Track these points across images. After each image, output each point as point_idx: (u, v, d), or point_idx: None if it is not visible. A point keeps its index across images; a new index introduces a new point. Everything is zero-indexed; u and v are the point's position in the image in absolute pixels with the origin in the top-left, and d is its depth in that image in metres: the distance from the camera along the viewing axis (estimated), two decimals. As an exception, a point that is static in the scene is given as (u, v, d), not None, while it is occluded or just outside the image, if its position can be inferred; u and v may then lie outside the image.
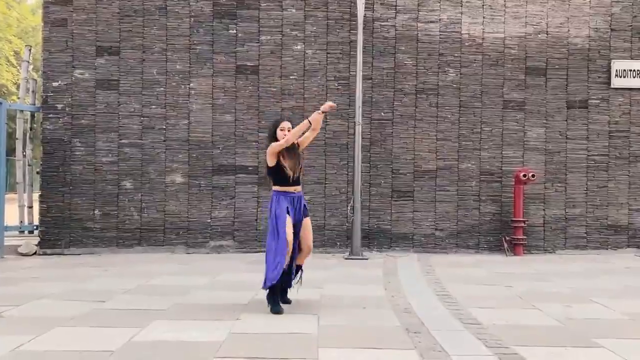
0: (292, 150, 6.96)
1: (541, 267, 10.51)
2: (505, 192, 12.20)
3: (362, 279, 9.03)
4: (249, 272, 9.48)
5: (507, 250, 11.83)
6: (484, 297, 7.83)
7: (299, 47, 12.11)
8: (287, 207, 6.82)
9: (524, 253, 11.91)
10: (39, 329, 5.90)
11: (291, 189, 6.95)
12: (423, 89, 12.19)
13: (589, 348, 5.50)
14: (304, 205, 7.05)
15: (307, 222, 7.08)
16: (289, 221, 6.76)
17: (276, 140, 6.88)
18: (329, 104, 6.91)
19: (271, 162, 6.90)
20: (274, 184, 6.96)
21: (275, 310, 6.71)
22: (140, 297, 7.55)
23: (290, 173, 6.88)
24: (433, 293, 8.04)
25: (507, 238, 11.92)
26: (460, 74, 12.23)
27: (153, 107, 11.99)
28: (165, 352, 5.22)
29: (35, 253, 11.78)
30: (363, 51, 11.71)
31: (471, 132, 12.23)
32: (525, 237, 11.94)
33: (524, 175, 11.65)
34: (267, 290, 6.80)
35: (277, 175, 6.92)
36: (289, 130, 6.89)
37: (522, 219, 11.86)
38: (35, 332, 5.78)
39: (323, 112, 6.84)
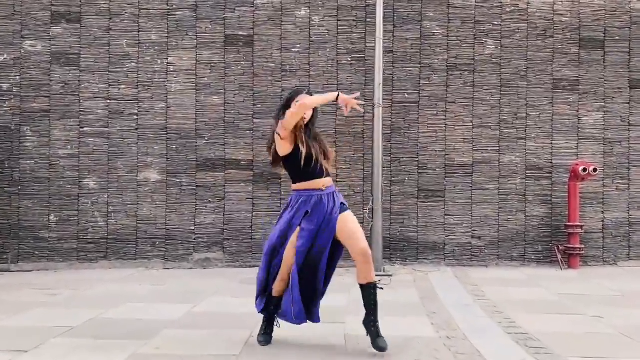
0: (309, 131, 5.11)
1: (613, 284, 8.21)
2: (557, 190, 9.91)
3: (396, 307, 6.63)
4: (242, 295, 7.12)
5: (562, 262, 9.51)
6: (575, 336, 5.53)
7: (302, 12, 9.80)
8: (308, 212, 4.94)
9: (580, 265, 9.61)
10: None
11: (319, 183, 4.99)
12: (456, 65, 9.90)
13: None
14: (341, 202, 5.05)
15: (347, 217, 4.97)
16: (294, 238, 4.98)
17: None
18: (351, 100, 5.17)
19: (285, 149, 4.98)
20: (295, 181, 5.08)
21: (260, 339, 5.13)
22: (83, 342, 5.15)
23: (312, 160, 4.94)
24: (502, 331, 5.69)
25: (561, 247, 9.60)
26: (501, 46, 9.95)
27: (122, 87, 9.65)
28: None
29: (-25, 269, 9.44)
30: (383, 18, 9.36)
31: (515, 117, 9.94)
32: (582, 245, 9.64)
33: (584, 170, 9.36)
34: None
35: (297, 166, 4.99)
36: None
37: (578, 224, 9.57)
38: None
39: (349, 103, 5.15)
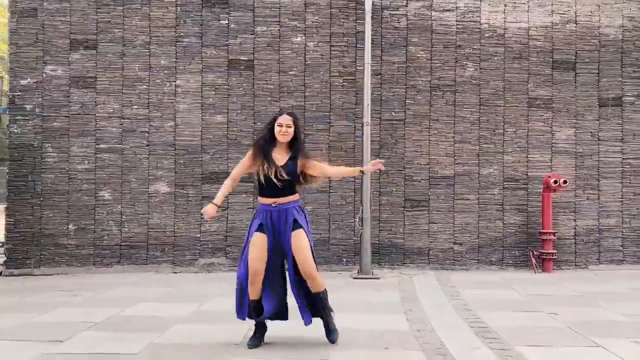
0: (283, 148, 5.77)
1: (579, 287, 9.04)
2: (532, 200, 10.76)
3: (378, 306, 7.56)
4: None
5: (536, 266, 10.37)
6: (528, 328, 6.41)
7: (298, 39, 10.67)
8: (261, 224, 5.66)
9: (553, 269, 10.46)
10: None
11: (269, 200, 5.69)
12: (438, 86, 10.76)
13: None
14: (294, 219, 5.66)
15: (297, 237, 5.63)
16: (258, 240, 5.60)
17: (272, 136, 5.71)
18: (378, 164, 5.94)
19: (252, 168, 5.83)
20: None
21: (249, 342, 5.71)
22: (107, 335, 6.08)
23: (262, 179, 5.67)
24: (467, 325, 6.60)
25: (535, 252, 10.47)
26: (480, 68, 10.80)
27: (135, 107, 10.54)
28: None
29: (0, 273, 10.32)
30: (371, 43, 10.29)
31: (493, 133, 10.80)
32: (555, 251, 10.49)
33: (555, 182, 10.22)
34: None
35: (258, 184, 5.81)
36: (287, 126, 5.68)
37: (551, 231, 10.42)
38: None
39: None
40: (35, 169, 10.46)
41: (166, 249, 10.48)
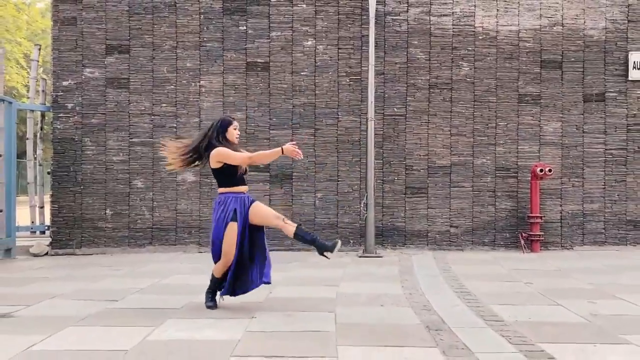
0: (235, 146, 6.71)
1: (560, 263, 10.22)
2: (522, 187, 11.94)
3: (378, 277, 8.81)
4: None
5: (524, 247, 11.57)
6: (504, 293, 7.60)
7: (309, 42, 11.90)
8: (235, 210, 6.49)
9: (541, 249, 11.65)
10: (51, 329, 5.73)
11: (242, 188, 6.63)
12: (436, 84, 11.96)
13: (618, 345, 5.27)
14: (251, 200, 6.65)
15: (257, 205, 6.61)
16: (231, 230, 6.46)
17: (225, 138, 6.59)
18: (295, 149, 6.50)
19: (216, 164, 6.55)
20: (221, 186, 6.62)
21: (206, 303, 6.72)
22: (153, 297, 7.37)
23: (241, 170, 6.59)
24: (452, 290, 7.81)
25: (524, 234, 11.65)
26: (474, 67, 11.98)
27: (163, 105, 11.82)
28: (180, 351, 5.04)
29: (46, 253, 11.65)
30: (375, 46, 11.49)
31: (486, 127, 11.98)
32: (542, 233, 11.67)
33: (541, 170, 11.38)
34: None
35: (226, 174, 6.57)
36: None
37: (538, 215, 11.58)
38: (46, 332, 5.62)
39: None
40: (76, 161, 11.75)
41: (192, 231, 11.76)
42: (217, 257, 6.65)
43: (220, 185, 6.63)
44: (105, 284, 8.30)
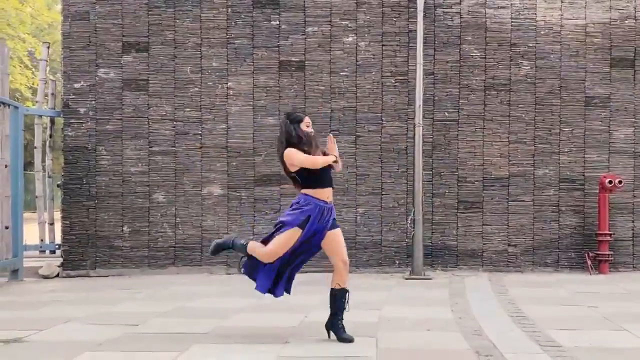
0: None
1: (630, 286, 10.89)
2: (588, 201, 12.62)
3: (426, 301, 9.54)
4: (297, 293, 10.02)
5: (591, 268, 12.25)
6: (564, 318, 8.26)
7: (350, 39, 12.67)
8: (309, 217, 6.83)
9: (610, 271, 12.30)
10: (67, 354, 6.27)
11: (327, 192, 6.96)
12: (493, 85, 12.66)
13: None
14: (333, 218, 7.04)
15: (337, 232, 7.05)
16: (295, 236, 6.88)
17: (298, 136, 6.92)
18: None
19: (292, 168, 6.95)
20: (304, 187, 6.99)
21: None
22: (177, 320, 8.09)
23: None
24: (506, 314, 8.51)
25: (591, 254, 12.34)
26: (536, 66, 12.68)
27: (187, 109, 12.65)
28: None
29: (57, 275, 12.43)
30: (424, 42, 12.18)
31: (549, 133, 12.67)
32: (611, 252, 12.32)
33: (610, 182, 12.03)
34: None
35: (306, 177, 6.96)
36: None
37: (607, 232, 12.24)
38: (62, 357, 6.18)
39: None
40: (89, 172, 12.58)
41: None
42: (268, 239, 7.09)
43: (302, 186, 6.99)
44: (124, 308, 9.03)
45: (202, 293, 10.32)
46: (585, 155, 12.74)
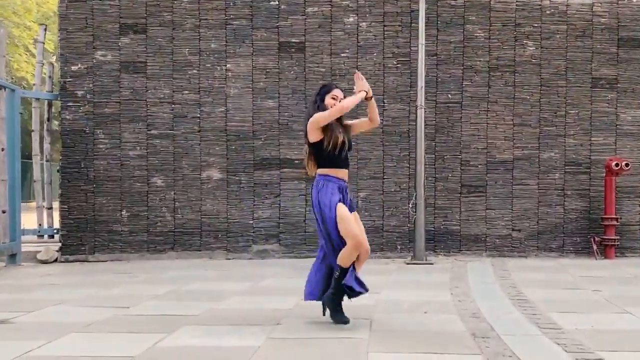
0: (341, 124, 6.76)
1: (636, 271, 10.60)
2: (594, 185, 12.33)
3: (426, 284, 9.30)
4: (296, 277, 9.66)
5: (597, 252, 11.99)
6: (566, 301, 8.00)
7: (351, 19, 12.41)
8: (340, 197, 6.55)
9: (616, 256, 12.04)
10: (52, 334, 6.19)
11: (341, 172, 6.66)
12: (497, 66, 12.39)
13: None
14: (351, 199, 6.78)
15: (357, 217, 6.77)
16: (344, 208, 6.50)
17: (318, 108, 6.64)
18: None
19: (315, 136, 6.56)
20: (320, 166, 6.68)
21: (340, 318, 6.67)
22: (170, 303, 7.94)
23: (345, 145, 6.58)
24: (507, 297, 8.24)
25: (597, 239, 12.07)
26: (541, 47, 12.39)
27: (185, 92, 12.45)
28: (191, 358, 5.47)
29: (56, 260, 12.31)
30: (426, 22, 11.87)
31: (554, 115, 12.40)
32: (617, 237, 12.04)
33: (616, 165, 11.74)
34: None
35: (324, 153, 6.59)
36: (341, 100, 6.70)
37: (614, 217, 11.96)
38: (47, 337, 6.07)
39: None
40: (87, 156, 12.41)
41: (219, 236, 12.39)
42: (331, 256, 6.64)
43: (319, 166, 6.67)
44: (119, 291, 8.90)
45: (199, 277, 10.17)
46: (592, 138, 12.45)
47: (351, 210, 6.65)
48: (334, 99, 6.70)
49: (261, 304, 7.88)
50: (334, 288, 6.62)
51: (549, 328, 6.57)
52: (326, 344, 5.89)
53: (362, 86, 6.75)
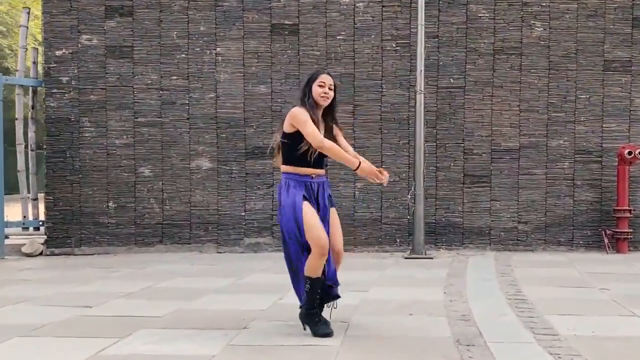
0: (328, 125, 6.00)
1: (648, 266, 10.01)
2: (606, 174, 11.65)
3: (419, 281, 8.69)
4: (285, 272, 9.22)
5: (608, 246, 11.29)
6: (568, 301, 7.38)
7: None
8: (302, 195, 5.79)
9: (629, 250, 11.38)
10: None
11: (308, 171, 5.87)
12: (502, 48, 11.72)
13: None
14: (329, 194, 6.03)
15: (334, 217, 6.01)
16: (312, 210, 5.75)
17: (311, 97, 5.84)
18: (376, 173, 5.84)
19: (289, 128, 5.79)
20: (284, 162, 5.93)
21: (322, 332, 5.85)
22: (138, 302, 7.42)
23: (305, 147, 5.75)
24: (503, 297, 7.60)
25: (608, 232, 11.38)
26: (550, 28, 11.70)
27: (173, 78, 11.88)
28: None
29: (41, 253, 11.87)
30: (426, 2, 11.24)
31: (563, 100, 11.71)
32: (630, 230, 11.37)
33: (629, 153, 11.08)
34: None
35: (292, 148, 5.81)
36: (330, 88, 5.86)
37: (627, 208, 11.30)
38: None
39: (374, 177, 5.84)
40: (72, 145, 11.87)
41: (210, 228, 11.81)
42: (295, 258, 5.95)
43: (285, 162, 5.94)
44: (93, 287, 8.41)
45: (182, 272, 9.65)
46: (603, 125, 11.76)
47: (326, 208, 5.92)
48: (320, 86, 5.85)
49: (235, 304, 7.33)
50: (308, 302, 5.86)
51: (543, 334, 5.95)
52: (290, 354, 5.30)
53: (374, 174, 5.85)
